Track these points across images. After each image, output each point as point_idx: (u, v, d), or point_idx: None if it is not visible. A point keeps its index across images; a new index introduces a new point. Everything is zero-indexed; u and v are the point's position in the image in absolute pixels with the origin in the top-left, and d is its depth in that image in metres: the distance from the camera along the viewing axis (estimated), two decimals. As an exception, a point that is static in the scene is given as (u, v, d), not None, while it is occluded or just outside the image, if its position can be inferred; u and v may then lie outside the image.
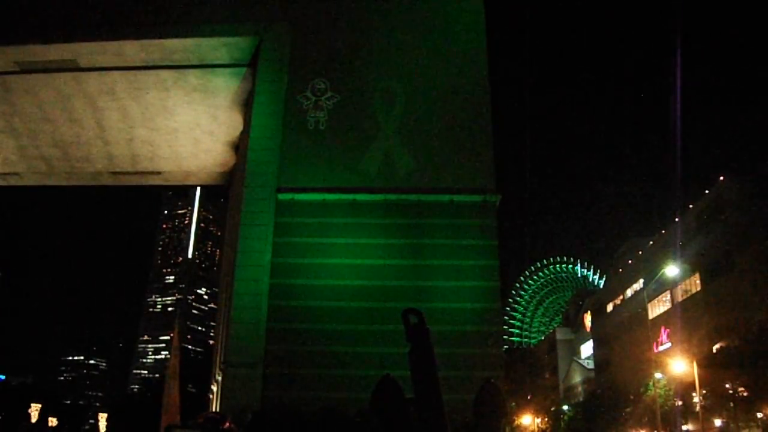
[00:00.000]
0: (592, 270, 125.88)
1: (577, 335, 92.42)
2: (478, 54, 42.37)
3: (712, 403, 38.44)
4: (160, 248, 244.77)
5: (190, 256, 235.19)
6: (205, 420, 8.64)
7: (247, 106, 45.05)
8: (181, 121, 48.87)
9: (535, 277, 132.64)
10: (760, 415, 36.79)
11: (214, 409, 38.40)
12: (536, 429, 76.57)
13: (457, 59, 42.18)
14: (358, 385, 29.72)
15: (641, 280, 63.66)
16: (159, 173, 56.99)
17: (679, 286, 54.36)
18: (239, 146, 49.31)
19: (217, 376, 41.48)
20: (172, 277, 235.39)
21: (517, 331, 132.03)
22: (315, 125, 40.56)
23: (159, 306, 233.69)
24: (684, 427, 44.97)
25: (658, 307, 59.06)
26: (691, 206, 56.02)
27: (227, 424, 8.52)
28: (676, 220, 58.43)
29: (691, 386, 38.00)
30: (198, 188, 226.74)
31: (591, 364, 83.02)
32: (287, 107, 40.73)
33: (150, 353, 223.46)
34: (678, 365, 39.78)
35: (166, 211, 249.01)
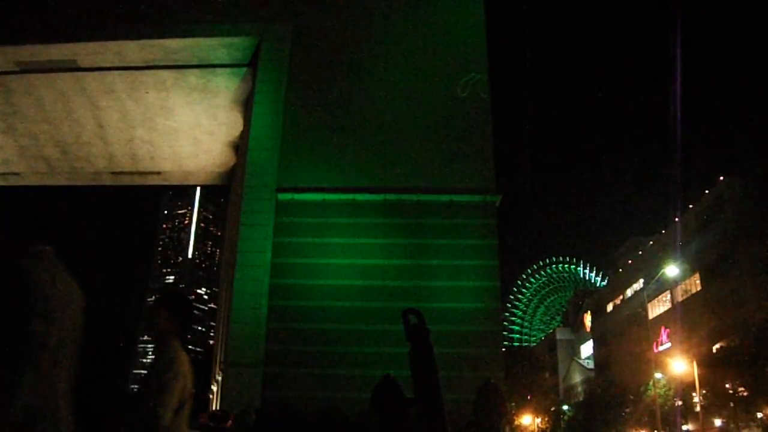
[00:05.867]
0: (595, 271, 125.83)
1: (577, 335, 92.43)
2: (478, 54, 42.38)
3: (712, 403, 38.46)
4: (160, 248, 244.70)
5: (190, 256, 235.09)
6: (209, 417, 8.63)
7: (247, 106, 45.05)
8: (181, 121, 48.87)
9: (536, 276, 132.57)
10: (760, 415, 36.80)
11: (213, 410, 38.32)
12: (536, 429, 76.59)
13: (458, 59, 42.18)
14: (358, 385, 29.65)
15: (641, 280, 63.66)
16: (159, 173, 56.97)
17: (679, 286, 54.40)
18: (239, 146, 49.31)
19: (217, 376, 41.47)
20: (172, 277, 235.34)
21: (518, 328, 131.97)
22: (315, 125, 40.56)
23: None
24: (684, 427, 44.97)
25: (658, 307, 59.08)
26: (691, 206, 56.04)
27: (229, 423, 8.51)
28: (676, 220, 58.44)
29: (691, 386, 38.02)
30: (198, 188, 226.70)
31: (591, 364, 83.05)
32: (287, 107, 40.73)
33: (150, 353, 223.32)
34: (678, 365, 39.81)
35: (166, 211, 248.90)
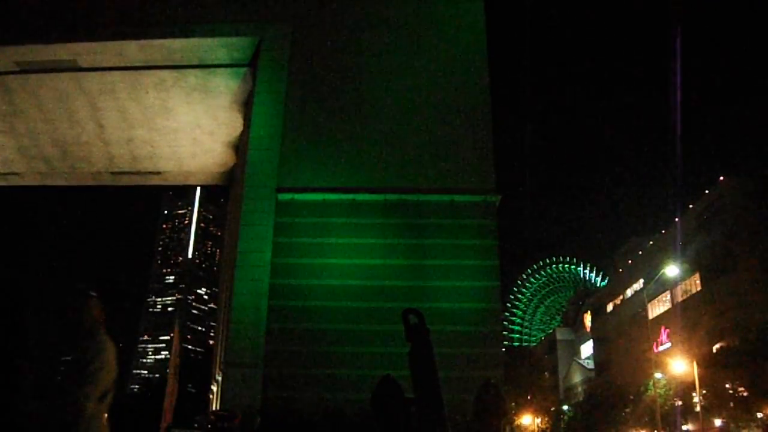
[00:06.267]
0: (594, 271, 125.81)
1: (577, 335, 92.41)
2: (478, 53, 42.40)
3: (712, 403, 38.43)
4: (160, 248, 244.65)
5: (190, 256, 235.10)
6: (217, 418, 8.66)
7: (247, 106, 45.06)
8: (181, 121, 48.88)
9: (536, 276, 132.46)
10: (760, 415, 36.78)
11: (220, 409, 38.39)
12: (536, 429, 76.60)
13: (458, 59, 42.21)
14: (358, 385, 29.76)
15: (641, 280, 63.64)
16: (159, 173, 56.99)
17: (679, 286, 54.37)
18: (239, 146, 49.33)
19: (217, 376, 41.48)
20: (172, 277, 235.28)
21: (518, 328, 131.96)
22: (315, 125, 40.57)
23: (159, 306, 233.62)
24: (684, 427, 44.96)
25: (658, 307, 59.06)
26: (691, 206, 56.04)
27: (236, 420, 8.53)
28: (676, 220, 58.44)
29: (691, 386, 38.01)
30: (198, 188, 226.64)
31: (591, 364, 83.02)
32: (287, 107, 40.75)
33: (150, 353, 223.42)
34: (678, 365, 39.78)
35: (166, 211, 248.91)
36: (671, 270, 43.64)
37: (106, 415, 4.10)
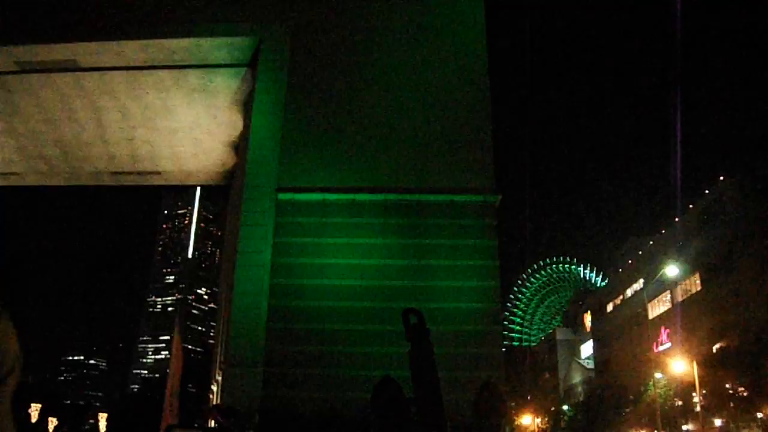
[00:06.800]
0: (595, 271, 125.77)
1: (577, 335, 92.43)
2: (478, 54, 42.40)
3: (712, 403, 38.43)
4: (160, 248, 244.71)
5: (190, 256, 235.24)
6: (221, 412, 8.61)
7: (247, 106, 45.07)
8: (181, 121, 48.90)
9: (536, 275, 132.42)
10: (760, 415, 36.79)
11: (217, 404, 38.38)
12: (536, 429, 76.59)
13: (457, 59, 42.21)
14: (358, 385, 29.72)
15: (641, 280, 63.63)
16: (159, 173, 57.00)
17: (679, 286, 54.37)
18: (239, 146, 49.34)
19: (217, 376, 41.50)
20: (172, 277, 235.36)
21: (518, 327, 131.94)
22: (315, 125, 40.57)
23: (159, 306, 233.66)
24: (684, 427, 44.97)
25: (658, 307, 59.06)
26: (691, 206, 56.05)
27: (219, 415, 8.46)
28: (676, 220, 58.45)
29: (691, 386, 38.00)
30: (198, 188, 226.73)
31: (591, 364, 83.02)
32: (287, 107, 40.75)
33: (150, 353, 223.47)
34: (678, 365, 39.77)
35: (166, 211, 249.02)
36: (671, 270, 43.60)
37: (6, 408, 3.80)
